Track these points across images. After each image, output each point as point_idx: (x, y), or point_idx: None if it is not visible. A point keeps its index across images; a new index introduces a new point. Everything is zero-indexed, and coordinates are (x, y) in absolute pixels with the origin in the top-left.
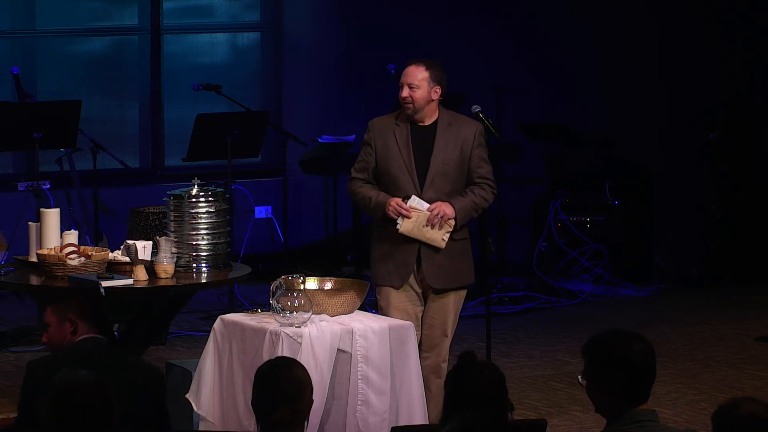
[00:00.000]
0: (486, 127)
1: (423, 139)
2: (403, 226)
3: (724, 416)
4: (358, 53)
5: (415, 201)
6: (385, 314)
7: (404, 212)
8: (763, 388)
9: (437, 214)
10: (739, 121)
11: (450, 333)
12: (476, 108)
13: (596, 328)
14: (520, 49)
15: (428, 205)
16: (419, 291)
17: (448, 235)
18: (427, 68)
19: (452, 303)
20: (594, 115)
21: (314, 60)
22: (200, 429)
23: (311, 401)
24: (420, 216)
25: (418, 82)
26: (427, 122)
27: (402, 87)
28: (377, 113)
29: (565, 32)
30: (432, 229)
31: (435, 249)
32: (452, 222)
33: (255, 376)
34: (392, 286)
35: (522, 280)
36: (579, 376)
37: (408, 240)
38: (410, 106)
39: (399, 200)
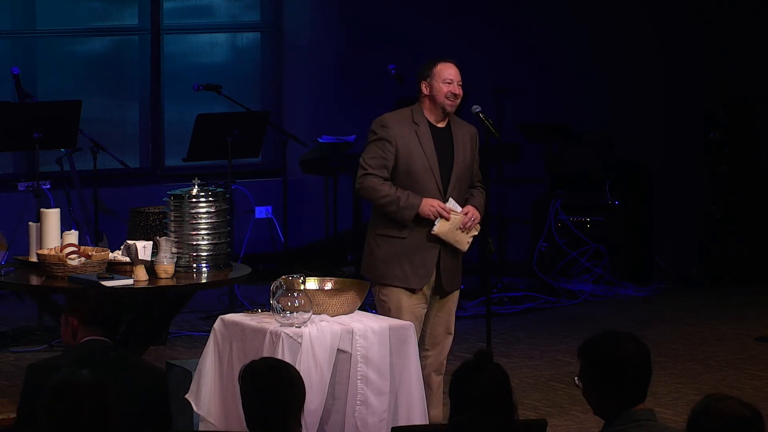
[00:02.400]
0: (486, 127)
1: (442, 140)
2: (439, 227)
3: (704, 427)
4: (358, 53)
5: (451, 203)
6: (394, 316)
7: (445, 214)
8: (763, 388)
9: (472, 218)
10: (739, 121)
11: (453, 330)
12: (476, 108)
13: (596, 328)
14: (520, 49)
15: (461, 209)
16: (428, 293)
17: (471, 239)
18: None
19: (453, 301)
20: (594, 115)
21: (314, 60)
22: (200, 429)
23: (303, 399)
24: (456, 219)
25: (461, 80)
26: (442, 124)
27: (451, 83)
28: (377, 113)
29: (565, 32)
30: (462, 232)
31: (452, 252)
32: (479, 226)
33: (239, 374)
34: (407, 288)
35: (522, 280)
36: (576, 378)
37: (429, 241)
38: (456, 103)
39: (439, 201)
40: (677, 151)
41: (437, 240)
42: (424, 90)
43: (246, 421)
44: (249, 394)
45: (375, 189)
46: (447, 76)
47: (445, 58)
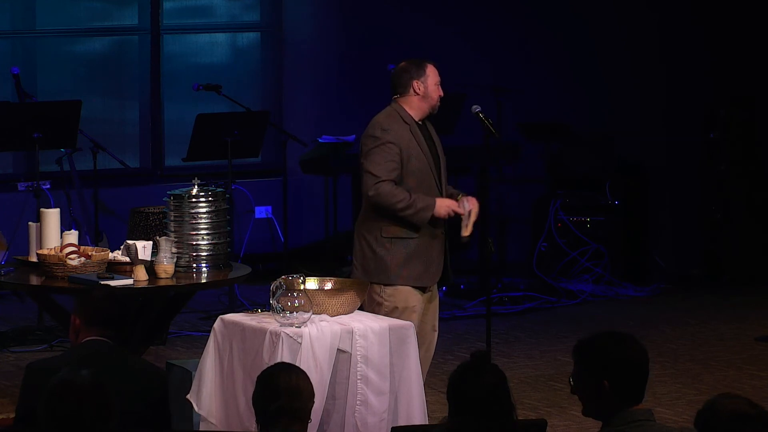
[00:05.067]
0: (486, 127)
1: (427, 137)
2: (468, 229)
3: (707, 422)
4: (358, 53)
5: (463, 202)
6: (401, 316)
7: (460, 211)
8: (763, 388)
9: (477, 211)
10: (739, 121)
11: (437, 327)
12: (476, 108)
13: (596, 328)
14: (520, 49)
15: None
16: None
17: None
18: None
19: (437, 298)
20: (594, 114)
21: (314, 60)
22: (201, 429)
23: (311, 404)
24: (472, 216)
25: None
26: (420, 121)
27: (438, 86)
28: (377, 113)
29: (565, 32)
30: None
31: (447, 243)
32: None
33: (257, 377)
34: (421, 287)
35: (522, 280)
36: (570, 379)
37: (436, 237)
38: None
39: (450, 201)
40: (677, 151)
41: (442, 235)
42: (417, 89)
43: (255, 417)
44: (258, 389)
45: (392, 195)
46: (438, 79)
47: (428, 59)
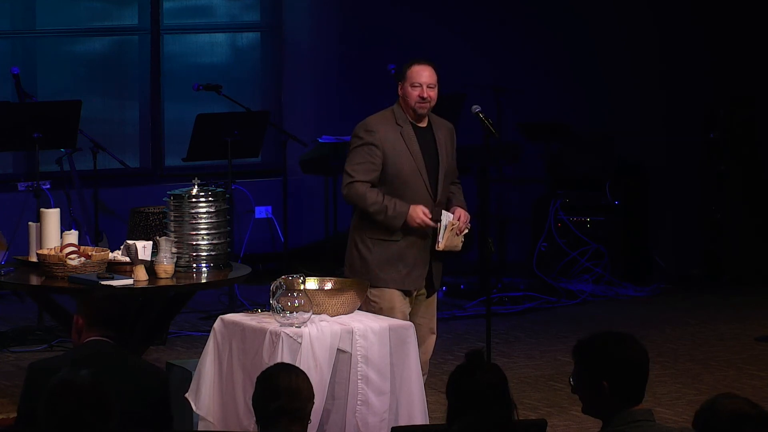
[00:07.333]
0: (486, 127)
1: (425, 140)
2: (444, 242)
3: (707, 422)
4: (358, 53)
5: (444, 216)
6: (386, 316)
7: (432, 224)
8: (763, 388)
9: (465, 221)
10: (739, 121)
11: (436, 330)
12: (476, 108)
13: (596, 328)
14: (520, 49)
15: (451, 215)
16: (414, 294)
17: (464, 238)
18: (436, 69)
19: (435, 301)
20: (594, 114)
21: (314, 60)
22: (199, 429)
23: (311, 404)
24: (453, 228)
25: (435, 83)
26: (424, 123)
27: (419, 87)
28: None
29: (565, 32)
30: (456, 236)
31: (438, 251)
32: (470, 224)
33: (257, 377)
34: (403, 290)
35: (522, 280)
36: (570, 379)
37: (421, 242)
38: (427, 105)
39: (425, 210)
40: (677, 151)
41: (427, 239)
42: (399, 91)
43: (255, 417)
44: (258, 389)
45: (362, 197)
46: (416, 80)
47: (422, 60)
